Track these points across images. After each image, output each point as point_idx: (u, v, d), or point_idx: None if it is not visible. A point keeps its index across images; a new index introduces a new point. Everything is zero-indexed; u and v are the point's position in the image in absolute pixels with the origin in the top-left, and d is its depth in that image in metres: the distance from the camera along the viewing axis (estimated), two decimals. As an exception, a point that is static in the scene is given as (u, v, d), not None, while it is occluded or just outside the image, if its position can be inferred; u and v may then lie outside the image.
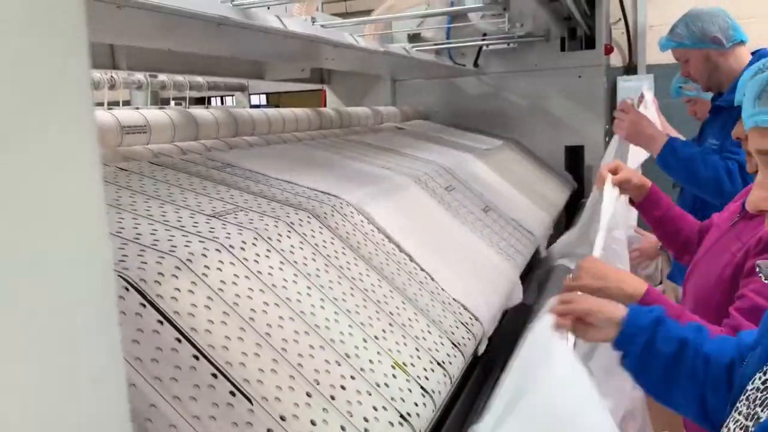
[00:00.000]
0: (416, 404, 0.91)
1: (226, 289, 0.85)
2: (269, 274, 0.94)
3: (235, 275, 0.88)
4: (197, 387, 0.68)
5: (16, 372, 0.25)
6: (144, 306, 0.73)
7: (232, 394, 0.70)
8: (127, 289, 0.73)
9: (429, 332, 1.11)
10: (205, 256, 0.88)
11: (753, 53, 2.11)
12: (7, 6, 0.25)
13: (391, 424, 0.84)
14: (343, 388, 0.83)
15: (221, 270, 0.87)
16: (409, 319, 1.10)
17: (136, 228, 0.93)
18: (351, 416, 0.80)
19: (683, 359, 0.97)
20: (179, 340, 0.72)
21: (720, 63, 2.10)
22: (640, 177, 1.71)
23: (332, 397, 0.80)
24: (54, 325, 0.27)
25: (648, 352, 0.98)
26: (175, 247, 0.87)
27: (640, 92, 2.62)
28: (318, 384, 0.81)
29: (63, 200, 0.28)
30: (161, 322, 0.73)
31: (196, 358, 0.71)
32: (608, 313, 1.01)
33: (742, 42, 2.09)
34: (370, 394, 0.86)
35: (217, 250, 0.91)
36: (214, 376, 0.70)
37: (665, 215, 1.70)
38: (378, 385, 0.89)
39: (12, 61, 0.25)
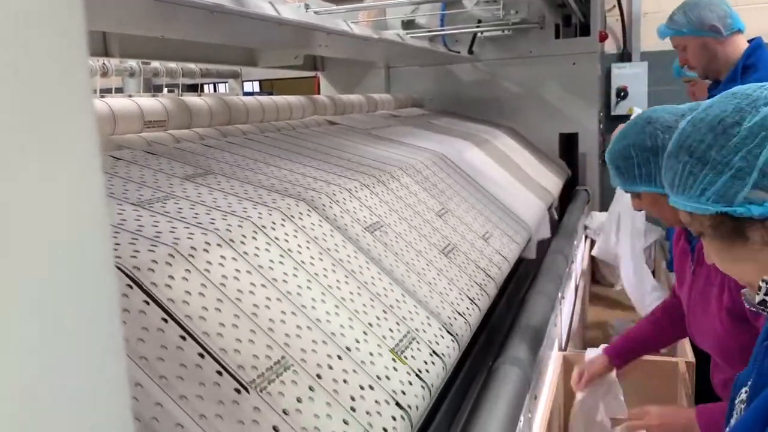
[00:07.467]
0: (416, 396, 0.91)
1: (228, 283, 0.84)
2: (270, 268, 0.93)
3: (237, 270, 0.87)
4: (203, 385, 0.67)
5: (11, 368, 0.25)
6: (147, 303, 0.73)
7: (237, 391, 0.69)
8: (131, 287, 0.73)
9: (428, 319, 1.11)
10: (206, 251, 0.87)
11: (749, 41, 2.11)
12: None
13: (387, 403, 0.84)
14: (331, 367, 0.83)
15: (223, 265, 0.87)
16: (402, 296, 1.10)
17: (138, 220, 0.92)
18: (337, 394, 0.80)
19: None
20: (165, 320, 0.72)
21: (718, 51, 2.09)
22: (600, 363, 1.60)
23: (319, 375, 0.81)
24: (52, 320, 0.27)
25: None
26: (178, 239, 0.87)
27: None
28: (321, 372, 0.81)
29: (61, 192, 0.28)
30: (146, 304, 0.72)
31: (182, 340, 0.71)
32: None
33: (739, 30, 2.09)
34: (372, 388, 0.86)
35: (218, 245, 0.90)
36: (219, 373, 0.70)
37: (645, 347, 1.64)
38: (379, 378, 0.89)
39: (8, 53, 0.25)
